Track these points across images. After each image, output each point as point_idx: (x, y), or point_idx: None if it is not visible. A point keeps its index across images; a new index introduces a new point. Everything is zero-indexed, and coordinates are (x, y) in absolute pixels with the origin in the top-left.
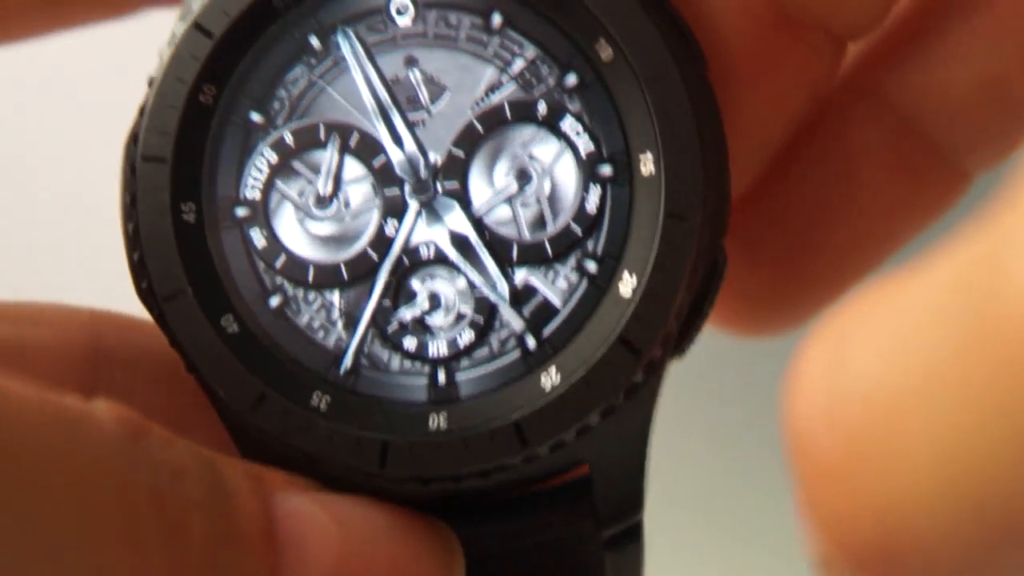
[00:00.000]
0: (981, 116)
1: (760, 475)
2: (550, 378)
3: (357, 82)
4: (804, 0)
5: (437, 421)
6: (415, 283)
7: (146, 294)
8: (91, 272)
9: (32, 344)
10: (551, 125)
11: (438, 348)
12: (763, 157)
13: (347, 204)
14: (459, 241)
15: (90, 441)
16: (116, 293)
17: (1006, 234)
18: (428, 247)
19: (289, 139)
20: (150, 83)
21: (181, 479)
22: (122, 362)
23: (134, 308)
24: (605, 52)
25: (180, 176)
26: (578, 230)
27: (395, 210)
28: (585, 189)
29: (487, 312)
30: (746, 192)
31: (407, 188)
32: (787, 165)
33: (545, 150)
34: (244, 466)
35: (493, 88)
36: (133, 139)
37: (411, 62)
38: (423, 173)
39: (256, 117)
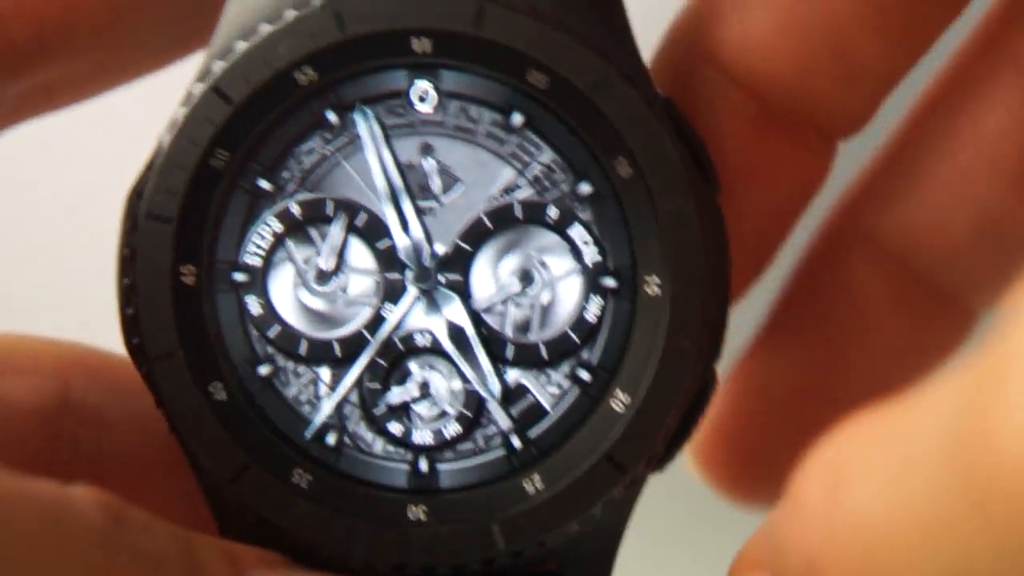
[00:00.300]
0: (978, 253)
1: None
2: (533, 484)
3: (370, 162)
4: (790, 98)
5: (416, 512)
6: (412, 367)
7: (136, 350)
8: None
9: (1, 399)
10: (560, 230)
11: (423, 436)
12: (759, 259)
13: (344, 290)
14: (455, 333)
15: (72, 530)
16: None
17: (990, 375)
18: (424, 335)
19: (296, 210)
20: (160, 141)
21: (161, 567)
22: (90, 415)
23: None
24: (624, 168)
25: (183, 237)
26: (575, 338)
27: (394, 294)
28: (586, 299)
29: (476, 407)
30: (751, 347)
31: (409, 274)
32: (791, 319)
33: (558, 263)
34: (219, 546)
35: (509, 189)
36: (137, 194)
37: (427, 150)
38: (427, 261)
39: (265, 184)
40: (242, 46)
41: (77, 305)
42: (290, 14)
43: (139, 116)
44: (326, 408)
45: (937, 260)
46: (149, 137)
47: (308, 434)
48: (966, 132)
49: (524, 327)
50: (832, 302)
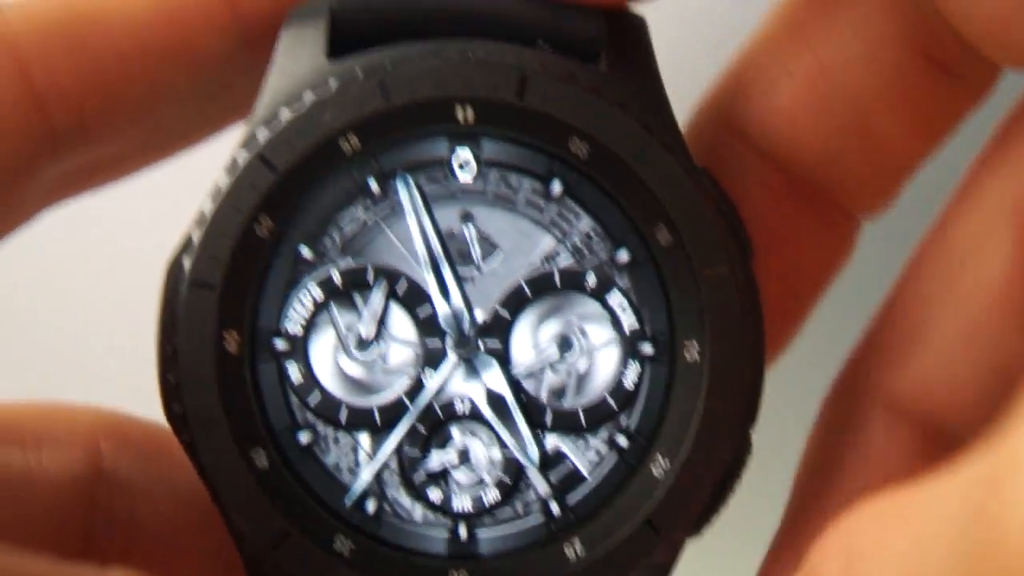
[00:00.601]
0: (989, 397)
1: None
2: (574, 549)
3: (411, 229)
4: (814, 172)
5: None
6: (454, 432)
7: (177, 418)
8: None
9: (37, 473)
10: (598, 297)
11: (462, 503)
12: (784, 330)
13: (384, 358)
14: (495, 400)
15: None
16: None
17: (1001, 468)
18: (463, 401)
19: (337, 278)
20: (202, 209)
21: None
22: (123, 484)
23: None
24: (663, 236)
25: (227, 304)
26: (613, 404)
27: (434, 361)
28: (624, 365)
29: (514, 473)
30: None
31: (449, 341)
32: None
33: (597, 331)
34: None
35: (548, 257)
36: (178, 263)
37: (467, 217)
38: (467, 329)
39: (306, 252)
40: (287, 114)
41: (111, 373)
42: (334, 83)
43: (176, 185)
44: (366, 475)
45: (953, 411)
46: (188, 207)
47: (348, 501)
48: (970, 280)
49: (559, 393)
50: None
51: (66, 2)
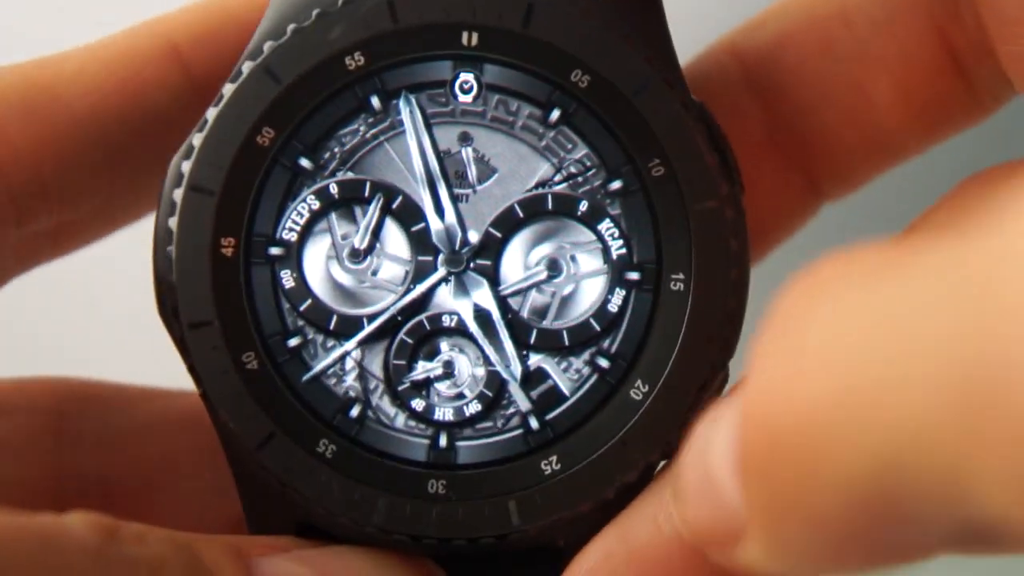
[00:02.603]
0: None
1: None
2: (550, 464)
3: (410, 147)
4: (799, 119)
5: (436, 486)
6: (442, 346)
7: (169, 316)
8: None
9: (1, 440)
10: (589, 224)
11: (444, 413)
12: None
13: (375, 272)
14: (481, 316)
15: (65, 555)
16: None
17: (1000, 261)
18: (451, 317)
19: (334, 189)
20: (206, 116)
21: (160, 572)
22: (89, 442)
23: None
24: (657, 170)
25: (225, 210)
26: (597, 326)
27: (424, 276)
28: (610, 291)
29: (497, 387)
30: None
31: (440, 258)
32: None
33: (587, 260)
34: (224, 541)
35: (543, 182)
36: (176, 167)
37: (465, 139)
38: (458, 246)
39: (306, 163)
40: (294, 29)
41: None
42: (342, 1)
43: None
44: (350, 381)
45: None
46: None
47: (333, 406)
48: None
49: (542, 313)
50: None
51: (21, 71)
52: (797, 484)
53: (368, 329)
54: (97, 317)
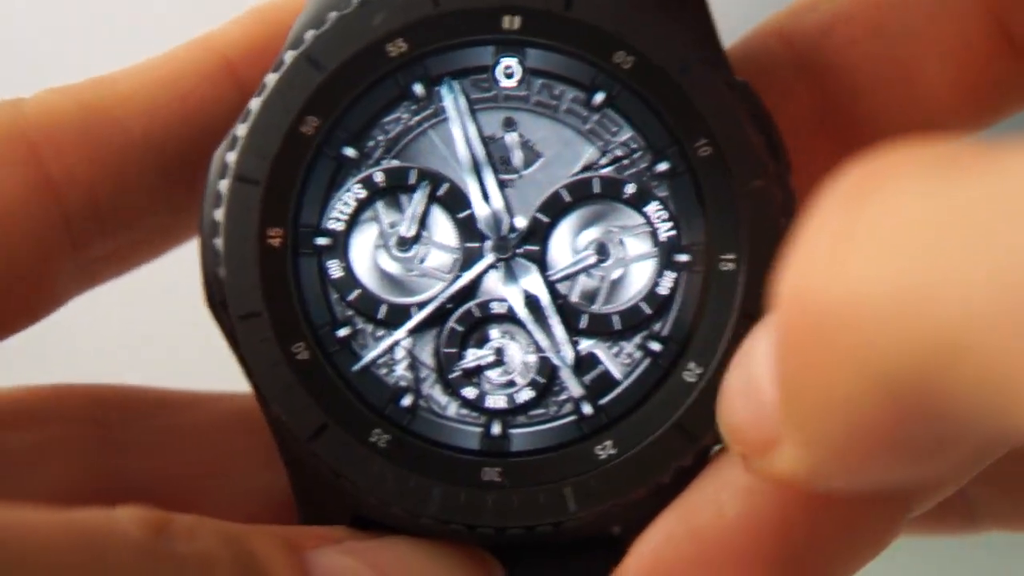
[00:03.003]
0: None
1: None
2: (605, 449)
3: (455, 134)
4: (848, 101)
5: (491, 474)
6: (493, 333)
7: (219, 309)
8: None
9: (42, 447)
10: (636, 206)
11: (496, 401)
12: None
13: (422, 260)
14: (531, 302)
15: (116, 551)
16: None
17: None
18: (501, 304)
19: (380, 177)
20: (249, 107)
21: (211, 568)
22: (134, 448)
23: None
24: (703, 149)
25: (271, 200)
26: (647, 309)
27: (472, 263)
28: (659, 274)
29: (548, 374)
30: None
31: (488, 244)
32: None
33: (636, 244)
34: (276, 533)
35: (590, 166)
36: (221, 158)
37: (509, 124)
38: (505, 232)
39: (350, 152)
40: (336, 16)
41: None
42: None
43: None
44: (401, 370)
45: None
46: None
47: (384, 396)
48: None
49: (591, 298)
50: None
51: (75, 92)
52: (834, 367)
53: (417, 318)
54: (136, 322)
